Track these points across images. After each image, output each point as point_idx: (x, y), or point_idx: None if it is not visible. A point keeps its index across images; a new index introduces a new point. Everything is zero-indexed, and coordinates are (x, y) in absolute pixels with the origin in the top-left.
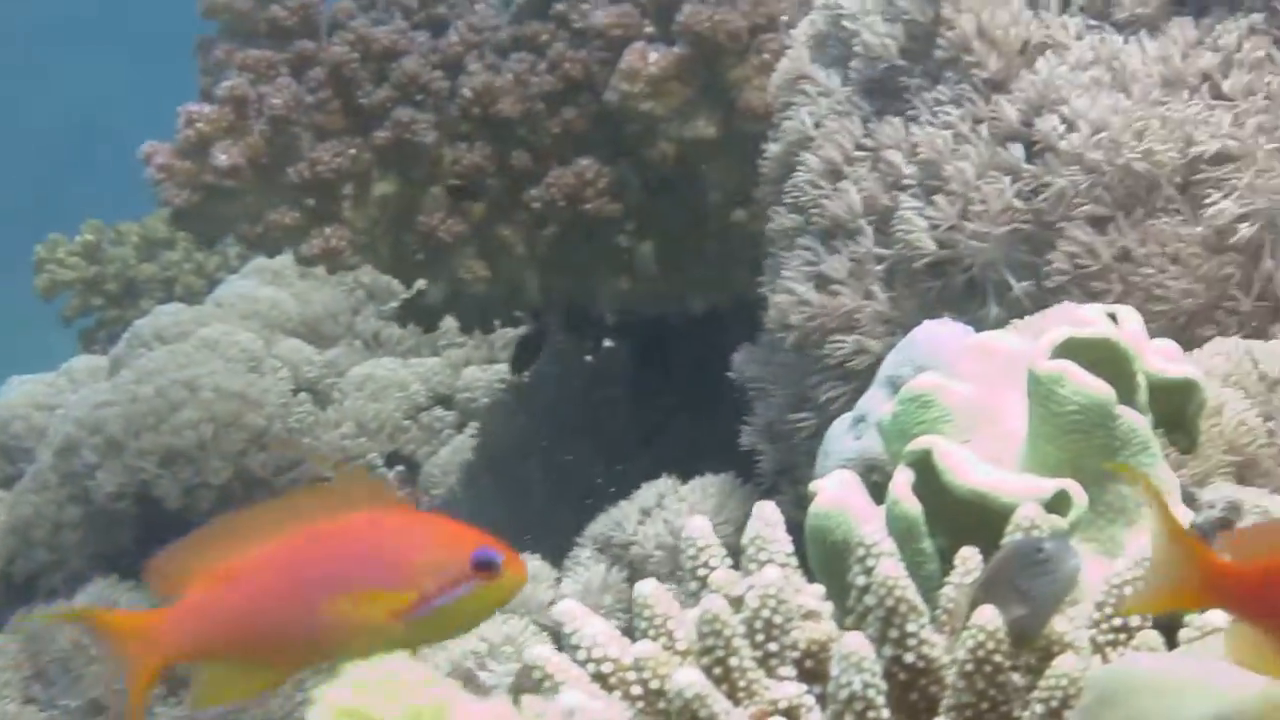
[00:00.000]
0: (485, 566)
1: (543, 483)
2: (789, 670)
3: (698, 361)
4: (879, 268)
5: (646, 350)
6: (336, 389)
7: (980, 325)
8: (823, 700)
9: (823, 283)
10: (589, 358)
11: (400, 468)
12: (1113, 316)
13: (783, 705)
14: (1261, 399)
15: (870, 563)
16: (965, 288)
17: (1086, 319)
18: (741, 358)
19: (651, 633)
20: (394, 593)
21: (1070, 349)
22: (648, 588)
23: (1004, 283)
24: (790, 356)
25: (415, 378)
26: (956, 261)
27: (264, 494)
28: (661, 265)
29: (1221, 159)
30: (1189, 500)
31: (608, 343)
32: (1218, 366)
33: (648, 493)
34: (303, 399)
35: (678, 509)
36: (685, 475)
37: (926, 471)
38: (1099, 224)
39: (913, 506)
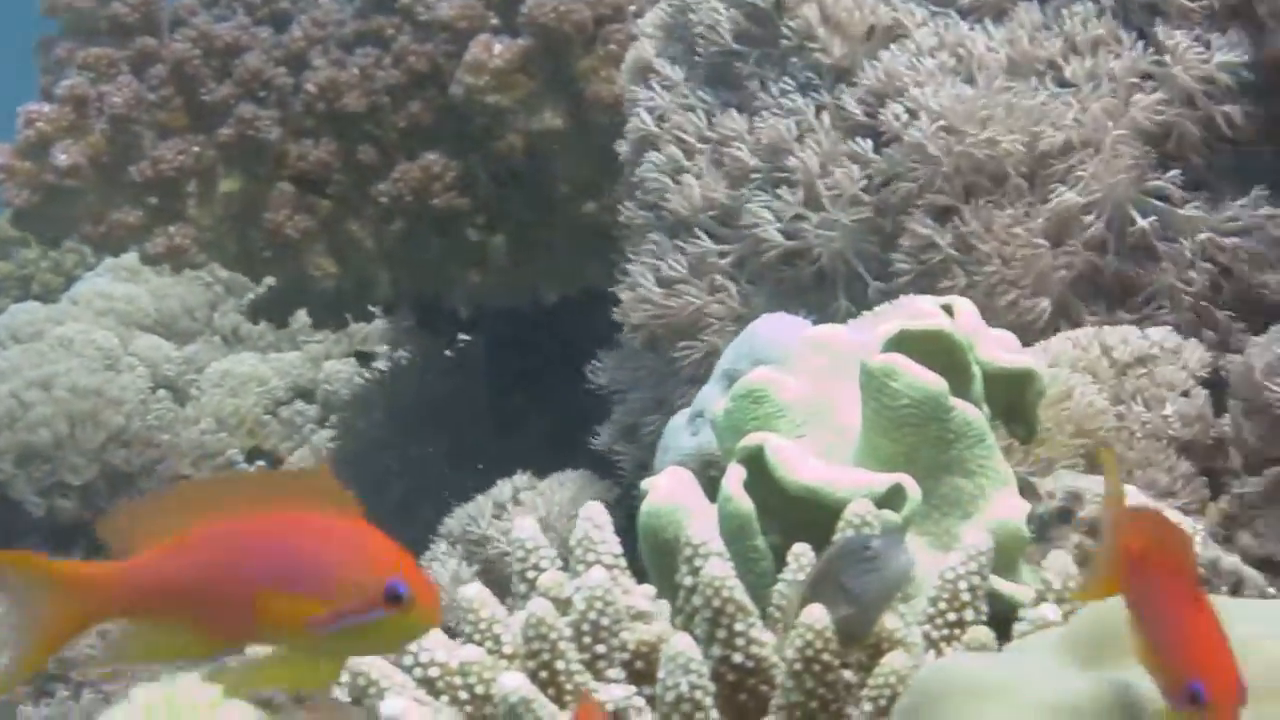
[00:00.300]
0: (393, 600)
1: (401, 476)
2: (618, 672)
3: (553, 354)
4: (724, 262)
5: (501, 343)
6: (195, 385)
7: (832, 318)
8: (653, 701)
9: (665, 281)
10: (447, 352)
11: (261, 463)
12: (948, 309)
13: (610, 708)
14: (1112, 384)
15: (698, 562)
16: (815, 280)
17: (924, 311)
18: (598, 365)
19: (477, 637)
20: (312, 600)
21: (905, 341)
22: (472, 591)
23: (853, 274)
24: (647, 359)
25: (275, 372)
26: (805, 253)
27: (130, 491)
28: (512, 258)
29: (1068, 148)
30: (1026, 490)
31: (464, 336)
32: (1067, 352)
33: (503, 488)
34: (161, 395)
35: (534, 504)
36: (542, 470)
37: (759, 468)
38: (943, 215)
39: (745, 504)
